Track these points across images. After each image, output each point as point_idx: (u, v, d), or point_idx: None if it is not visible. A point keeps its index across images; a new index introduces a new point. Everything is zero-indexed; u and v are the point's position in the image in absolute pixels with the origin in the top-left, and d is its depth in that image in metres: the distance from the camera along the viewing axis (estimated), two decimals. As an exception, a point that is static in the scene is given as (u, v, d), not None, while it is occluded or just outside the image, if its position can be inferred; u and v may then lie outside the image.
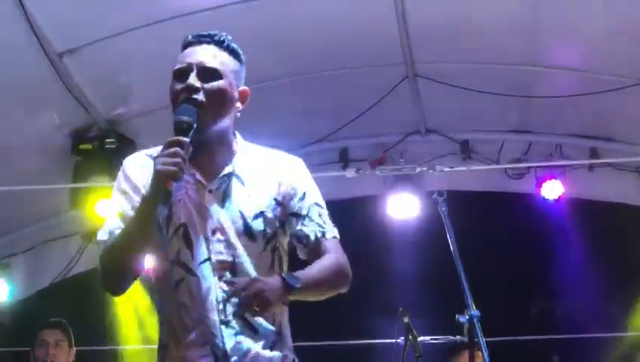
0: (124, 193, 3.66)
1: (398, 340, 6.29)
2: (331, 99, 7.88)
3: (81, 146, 7.62)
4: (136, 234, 3.50)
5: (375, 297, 8.17)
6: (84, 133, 7.63)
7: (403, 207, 8.34)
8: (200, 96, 3.56)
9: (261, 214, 3.65)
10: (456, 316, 4.34)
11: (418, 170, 8.01)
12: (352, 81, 7.67)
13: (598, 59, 7.37)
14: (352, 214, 8.27)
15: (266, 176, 3.74)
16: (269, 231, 3.66)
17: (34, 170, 7.64)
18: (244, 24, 6.62)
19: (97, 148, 7.59)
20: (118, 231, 3.56)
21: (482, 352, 4.23)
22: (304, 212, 3.74)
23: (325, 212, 3.81)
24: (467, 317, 4.32)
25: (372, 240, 8.51)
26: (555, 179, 8.25)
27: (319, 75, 7.61)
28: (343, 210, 8.11)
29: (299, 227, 3.73)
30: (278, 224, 3.70)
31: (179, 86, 3.58)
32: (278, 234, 3.70)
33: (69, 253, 8.64)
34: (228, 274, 3.58)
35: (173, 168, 3.34)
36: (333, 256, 3.71)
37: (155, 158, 3.42)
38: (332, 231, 3.78)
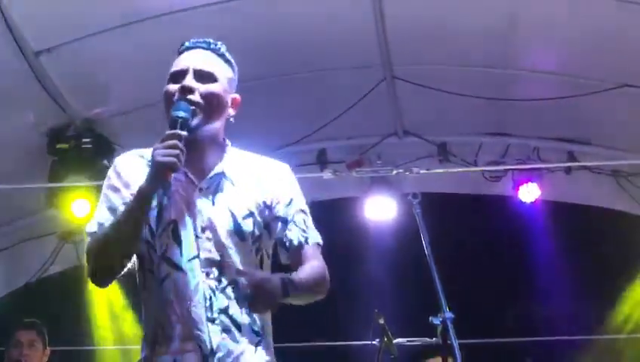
0: (116, 189, 3.72)
1: (374, 342, 6.29)
2: (309, 101, 7.87)
3: (58, 146, 7.61)
4: (130, 225, 3.57)
5: (352, 298, 8.19)
6: (60, 133, 7.62)
7: (380, 209, 8.37)
8: (195, 97, 3.66)
9: (251, 215, 3.72)
10: (430, 318, 4.36)
11: (395, 172, 8.00)
12: (330, 82, 7.67)
13: (576, 63, 7.40)
14: (329, 216, 8.24)
15: (254, 179, 3.80)
16: (257, 232, 3.72)
17: (9, 170, 7.59)
18: (221, 24, 6.63)
19: (74, 148, 7.58)
20: (107, 224, 3.62)
21: (454, 355, 4.25)
22: (289, 217, 3.81)
23: (309, 219, 3.88)
24: (440, 319, 4.34)
25: (349, 242, 8.51)
26: (532, 182, 8.29)
27: (297, 77, 7.61)
28: (320, 212, 8.08)
29: (284, 232, 3.80)
30: (264, 226, 3.75)
31: (174, 86, 3.68)
32: (264, 237, 3.76)
33: (44, 253, 8.62)
34: (215, 272, 3.62)
35: (172, 159, 3.46)
36: (317, 264, 3.79)
37: (154, 150, 3.49)
38: (315, 238, 3.85)
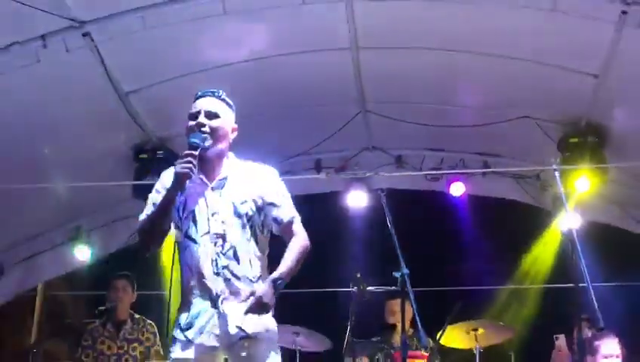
0: (158, 191, 3.90)
1: (353, 289, 6.28)
2: (310, 126, 7.87)
3: (140, 156, 7.62)
4: (162, 210, 3.77)
5: (337, 260, 8.18)
6: (142, 147, 7.63)
7: (357, 200, 8.37)
8: (206, 129, 3.84)
9: (245, 201, 3.85)
10: (393, 272, 4.39)
11: (368, 174, 8.04)
12: (325, 113, 7.67)
13: (491, 101, 7.40)
14: (323, 204, 8.31)
15: (250, 178, 3.92)
16: (249, 213, 3.85)
17: (109, 172, 7.65)
18: (248, 75, 6.72)
19: (151, 158, 7.58)
20: (149, 212, 3.86)
21: (410, 297, 4.28)
22: (278, 203, 3.92)
23: (291, 202, 4.00)
24: (400, 273, 4.37)
25: (336, 223, 8.53)
26: (460, 181, 8.28)
27: (302, 110, 7.61)
28: (316, 201, 8.18)
29: (275, 213, 3.91)
30: (256, 210, 3.87)
31: (192, 123, 3.87)
32: (254, 217, 3.86)
33: (130, 229, 8.61)
34: (220, 241, 3.77)
35: (186, 170, 3.67)
36: (300, 236, 3.92)
37: (174, 164, 3.75)
38: (296, 215, 3.98)
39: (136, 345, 6.69)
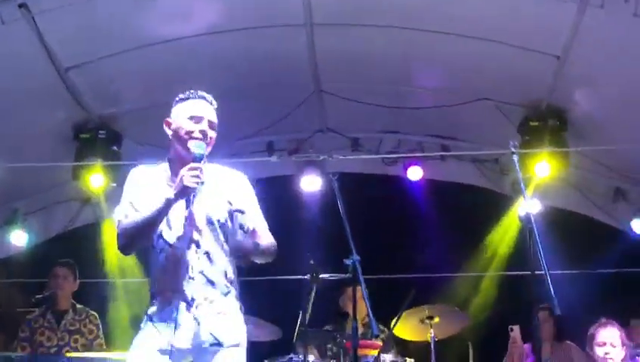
0: (133, 190, 3.93)
1: (306, 276, 6.28)
2: (261, 106, 7.84)
3: (81, 135, 7.52)
4: (158, 219, 3.78)
5: (290, 246, 8.13)
6: (82, 126, 7.52)
7: (310, 184, 8.35)
8: (207, 140, 3.91)
9: (218, 208, 3.91)
10: (344, 260, 4.40)
11: (322, 157, 8.02)
12: (277, 93, 7.63)
13: (449, 83, 7.44)
14: (275, 188, 8.27)
15: (222, 184, 3.99)
16: (221, 220, 3.91)
17: (46, 152, 7.50)
18: (197, 51, 6.65)
19: (92, 137, 7.48)
20: (130, 213, 3.84)
21: (361, 285, 4.30)
22: (246, 210, 3.97)
23: (259, 210, 4.07)
24: (351, 260, 4.38)
25: (288, 207, 8.48)
26: (417, 165, 8.31)
27: (254, 89, 7.56)
28: (268, 185, 8.15)
29: (242, 219, 3.96)
30: (227, 216, 3.93)
31: (195, 127, 3.91)
32: (226, 223, 3.93)
33: (71, 212, 8.52)
34: (195, 246, 3.84)
35: (196, 185, 3.73)
36: (269, 241, 3.99)
37: (183, 175, 3.74)
38: (263, 223, 4.03)
39: (77, 336, 6.62)
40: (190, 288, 3.81)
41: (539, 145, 7.21)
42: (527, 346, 6.90)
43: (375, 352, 6.26)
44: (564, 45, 6.43)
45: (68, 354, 5.90)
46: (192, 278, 3.82)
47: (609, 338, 5.55)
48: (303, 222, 8.40)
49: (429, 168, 8.42)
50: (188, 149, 3.86)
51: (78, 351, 6.47)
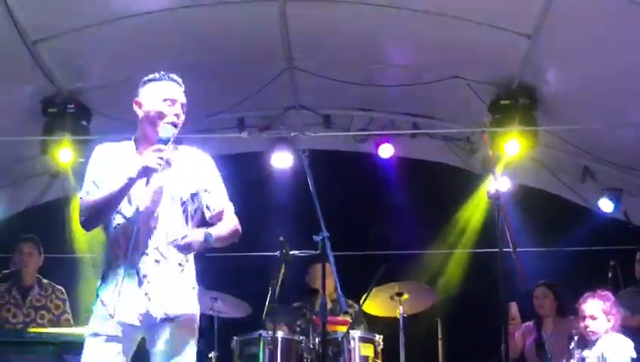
0: (96, 168, 3.97)
1: (276, 253, 6.28)
2: (233, 83, 7.77)
3: (49, 110, 7.41)
4: (120, 196, 3.82)
5: (260, 223, 8.14)
6: (51, 100, 7.41)
7: (281, 161, 8.34)
8: (178, 122, 3.97)
9: (181, 187, 3.98)
10: (313, 236, 4.42)
11: (292, 134, 8.01)
12: (248, 69, 7.58)
13: (421, 60, 7.43)
14: (246, 164, 8.25)
15: (188, 164, 4.06)
16: (183, 198, 3.97)
17: (15, 126, 7.39)
18: (167, 26, 6.60)
19: (61, 112, 7.38)
20: (93, 192, 3.87)
21: (330, 261, 4.31)
22: (212, 190, 4.07)
23: (225, 191, 4.15)
24: (320, 237, 4.39)
25: (259, 183, 8.47)
26: (388, 143, 8.32)
27: (224, 64, 7.50)
28: (239, 162, 8.12)
29: (207, 199, 4.06)
30: (189, 196, 4.00)
31: (169, 110, 3.95)
32: (188, 202, 3.99)
33: (39, 187, 8.44)
34: (154, 223, 3.88)
35: (158, 166, 3.77)
36: (232, 222, 4.08)
37: (146, 156, 3.80)
38: (229, 204, 4.13)
39: (44, 312, 6.57)
40: (143, 264, 3.86)
41: (509, 123, 7.23)
42: (529, 324, 6.94)
43: (344, 328, 6.30)
44: (535, 24, 6.43)
45: (31, 330, 5.82)
46: (147, 254, 3.86)
47: (588, 311, 5.60)
48: (274, 199, 8.40)
49: (400, 146, 8.42)
50: (155, 128, 3.93)
51: (45, 326, 6.43)
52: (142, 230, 3.85)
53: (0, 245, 7.56)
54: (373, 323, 6.97)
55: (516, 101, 7.27)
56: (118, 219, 3.89)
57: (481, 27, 6.63)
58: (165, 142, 3.86)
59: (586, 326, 5.59)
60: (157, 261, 3.88)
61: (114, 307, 3.81)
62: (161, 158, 3.79)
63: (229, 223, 4.07)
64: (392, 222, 8.68)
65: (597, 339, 5.58)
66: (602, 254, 7.30)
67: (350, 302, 6.67)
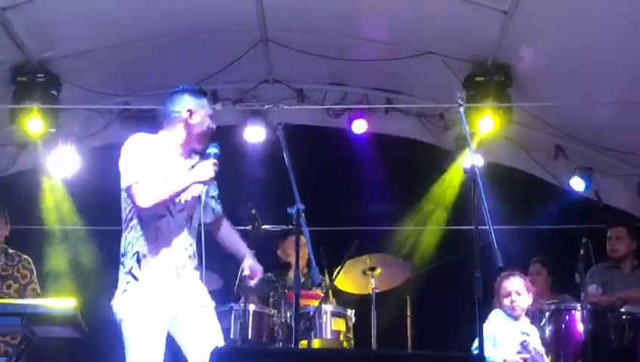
0: (140, 156, 4.39)
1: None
2: (206, 54, 7.70)
3: (18, 79, 7.28)
4: (179, 194, 4.37)
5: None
6: (20, 69, 7.27)
7: (254, 135, 8.28)
8: None
9: (201, 193, 4.55)
10: (288, 208, 4.42)
11: (266, 107, 7.95)
12: (222, 41, 7.52)
13: (395, 35, 7.39)
14: (218, 138, 8.09)
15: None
16: (202, 197, 4.55)
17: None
18: None
19: (30, 81, 7.25)
20: (141, 177, 4.30)
21: (304, 233, 4.30)
22: (216, 196, 4.73)
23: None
24: (295, 209, 4.38)
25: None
26: (362, 118, 8.28)
27: (199, 36, 7.42)
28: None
29: (214, 204, 4.69)
30: (203, 201, 4.56)
31: (214, 125, 4.65)
32: (202, 200, 4.57)
33: (7, 157, 8.29)
34: (190, 221, 4.48)
35: (209, 178, 4.38)
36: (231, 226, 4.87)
37: (204, 166, 4.39)
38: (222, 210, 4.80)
39: (10, 282, 6.47)
40: (182, 256, 4.39)
41: (484, 100, 7.23)
42: None
43: (316, 303, 6.28)
44: (511, 0, 6.40)
45: (-1, 301, 5.73)
46: (185, 248, 4.41)
47: (514, 287, 5.69)
48: (246, 172, 8.32)
49: (374, 121, 8.39)
50: (202, 142, 4.51)
51: (12, 296, 6.33)
52: (182, 226, 4.41)
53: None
54: (344, 299, 6.95)
55: (491, 78, 7.26)
56: (161, 212, 4.36)
57: (457, 3, 6.63)
58: (216, 157, 4.42)
59: (513, 301, 5.72)
60: (190, 256, 4.45)
61: (153, 292, 4.29)
62: (215, 173, 4.38)
63: (232, 228, 4.87)
64: (365, 198, 8.66)
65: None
66: (573, 232, 7.33)
67: (322, 277, 6.64)
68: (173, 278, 4.35)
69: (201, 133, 4.53)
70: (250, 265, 4.69)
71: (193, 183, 4.36)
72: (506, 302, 5.73)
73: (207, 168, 4.35)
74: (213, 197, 4.66)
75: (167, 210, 4.37)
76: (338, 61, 7.82)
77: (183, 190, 4.35)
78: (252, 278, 4.71)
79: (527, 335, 5.70)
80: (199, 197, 4.51)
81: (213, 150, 4.43)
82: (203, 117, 4.54)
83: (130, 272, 4.36)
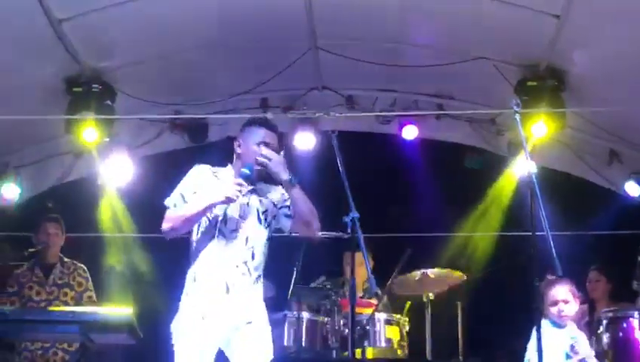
0: (189, 184, 4.57)
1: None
2: (256, 63, 7.72)
3: (73, 89, 7.36)
4: (198, 215, 4.46)
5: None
6: (75, 80, 7.36)
7: (304, 142, 8.27)
8: (264, 162, 4.57)
9: (266, 210, 4.66)
10: (343, 217, 4.40)
11: (317, 114, 7.95)
12: (272, 49, 7.51)
13: (447, 40, 7.34)
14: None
15: (267, 188, 4.71)
16: (269, 218, 4.67)
17: (39, 105, 7.36)
18: (191, 6, 6.62)
19: (85, 91, 7.33)
20: (180, 205, 4.50)
21: (359, 243, 4.28)
22: (287, 205, 4.71)
23: None
24: (350, 217, 4.36)
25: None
26: (412, 124, 8.24)
27: (248, 45, 7.44)
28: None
29: (286, 211, 4.70)
30: (272, 216, 4.68)
31: (264, 151, 4.57)
32: (272, 222, 4.68)
33: (63, 166, 8.41)
34: (245, 241, 4.52)
35: (235, 197, 4.41)
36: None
37: (230, 186, 4.41)
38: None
39: (67, 290, 6.58)
40: (233, 275, 4.45)
41: (536, 105, 7.13)
42: (584, 306, 6.86)
43: (369, 311, 6.25)
44: (563, 4, 6.33)
45: (56, 309, 5.81)
46: (237, 266, 4.47)
47: (561, 296, 5.56)
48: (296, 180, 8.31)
49: (424, 127, 8.35)
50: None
51: (68, 304, 6.42)
52: (236, 246, 4.49)
53: (24, 224, 7.57)
54: (397, 306, 6.91)
55: (544, 82, 7.17)
56: (214, 234, 4.48)
57: (509, 7, 6.54)
58: (245, 177, 4.44)
59: (561, 311, 5.55)
60: (243, 274, 4.49)
61: (203, 311, 4.38)
62: (240, 191, 4.39)
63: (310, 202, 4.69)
64: (416, 204, 8.61)
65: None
66: (629, 238, 7.20)
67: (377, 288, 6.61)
68: (221, 295, 4.43)
69: (243, 158, 4.63)
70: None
71: (214, 204, 4.43)
72: (553, 310, 5.55)
73: (227, 188, 4.41)
74: (282, 207, 4.72)
75: (217, 231, 4.50)
76: (388, 67, 7.79)
77: (203, 211, 4.43)
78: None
79: (575, 339, 5.55)
80: (258, 217, 4.60)
81: (243, 170, 4.50)
82: (246, 144, 4.65)
83: (185, 291, 4.52)
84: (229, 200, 4.40)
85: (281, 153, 4.68)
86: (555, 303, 5.56)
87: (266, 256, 4.65)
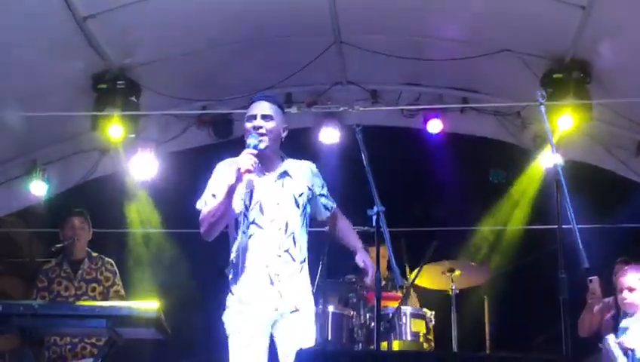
0: (216, 181, 4.55)
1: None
2: (280, 58, 7.72)
3: (99, 86, 7.42)
4: (225, 203, 4.41)
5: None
6: (101, 77, 7.42)
7: (329, 137, 8.27)
8: (262, 130, 4.52)
9: (302, 193, 4.62)
10: (367, 210, 4.41)
11: (341, 109, 7.95)
12: (296, 44, 7.53)
13: (471, 33, 7.30)
14: (293, 140, 8.11)
15: (302, 173, 4.70)
16: (305, 203, 4.62)
17: (65, 102, 7.41)
18: (215, 3, 6.69)
19: (111, 88, 7.38)
20: (209, 201, 4.49)
21: (385, 236, 4.28)
22: (325, 193, 4.80)
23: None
24: (375, 211, 4.37)
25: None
26: (437, 118, 8.20)
27: (273, 40, 7.44)
28: (286, 137, 8.02)
29: (325, 201, 4.77)
30: (307, 200, 4.65)
31: (250, 124, 4.54)
32: (307, 206, 4.65)
33: (89, 163, 8.46)
34: (284, 228, 4.49)
35: (247, 165, 4.32)
36: (346, 219, 4.92)
37: (237, 159, 4.37)
38: (335, 204, 4.87)
39: (95, 285, 6.60)
40: (276, 265, 4.44)
41: (562, 97, 7.08)
42: (609, 300, 6.81)
43: (395, 304, 6.23)
44: (589, -5, 6.28)
45: (84, 303, 5.84)
46: (280, 256, 4.46)
47: (627, 283, 5.43)
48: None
49: (449, 121, 8.30)
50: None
51: (96, 299, 6.46)
52: (275, 235, 4.46)
53: (50, 220, 7.62)
54: (423, 299, 6.89)
55: (569, 74, 7.11)
56: (252, 230, 4.46)
57: (533, -1, 6.50)
58: (253, 147, 4.39)
59: (624, 299, 5.43)
60: (286, 262, 4.48)
61: (248, 303, 4.42)
62: (250, 159, 4.32)
63: (348, 223, 4.89)
64: (441, 198, 8.59)
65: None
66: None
67: (402, 279, 6.59)
68: (266, 287, 4.43)
69: (244, 137, 4.58)
70: (363, 259, 4.70)
71: (232, 184, 4.36)
72: (620, 299, 5.45)
73: (241, 158, 4.36)
74: (322, 195, 4.75)
75: (253, 223, 4.47)
76: (412, 61, 7.76)
77: (227, 196, 4.38)
78: (366, 274, 4.68)
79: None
80: (295, 201, 4.55)
81: (248, 141, 4.45)
82: (244, 122, 4.64)
83: (229, 287, 4.55)
84: (245, 172, 4.33)
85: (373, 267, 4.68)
86: (621, 291, 5.44)
87: (306, 240, 4.64)
